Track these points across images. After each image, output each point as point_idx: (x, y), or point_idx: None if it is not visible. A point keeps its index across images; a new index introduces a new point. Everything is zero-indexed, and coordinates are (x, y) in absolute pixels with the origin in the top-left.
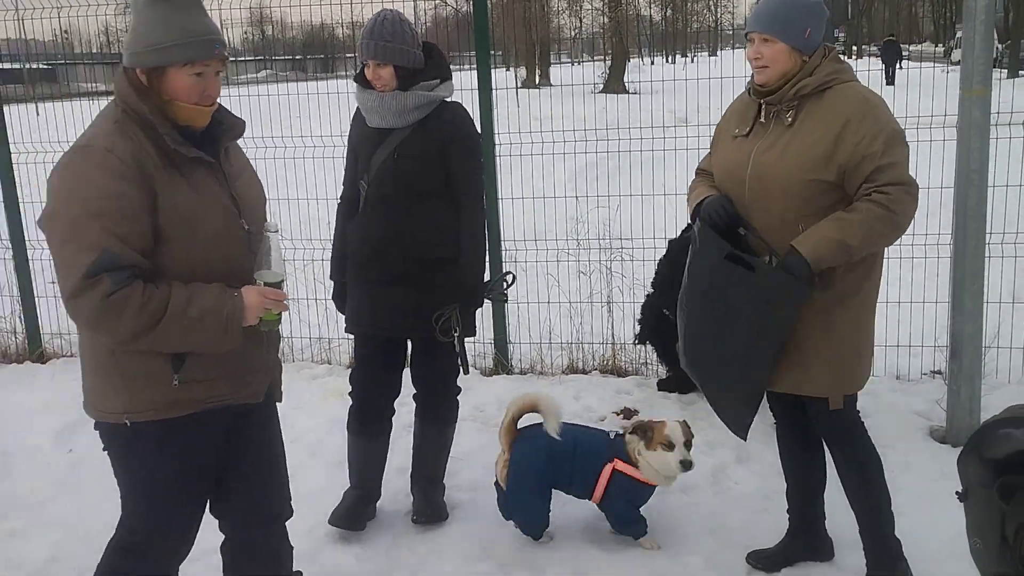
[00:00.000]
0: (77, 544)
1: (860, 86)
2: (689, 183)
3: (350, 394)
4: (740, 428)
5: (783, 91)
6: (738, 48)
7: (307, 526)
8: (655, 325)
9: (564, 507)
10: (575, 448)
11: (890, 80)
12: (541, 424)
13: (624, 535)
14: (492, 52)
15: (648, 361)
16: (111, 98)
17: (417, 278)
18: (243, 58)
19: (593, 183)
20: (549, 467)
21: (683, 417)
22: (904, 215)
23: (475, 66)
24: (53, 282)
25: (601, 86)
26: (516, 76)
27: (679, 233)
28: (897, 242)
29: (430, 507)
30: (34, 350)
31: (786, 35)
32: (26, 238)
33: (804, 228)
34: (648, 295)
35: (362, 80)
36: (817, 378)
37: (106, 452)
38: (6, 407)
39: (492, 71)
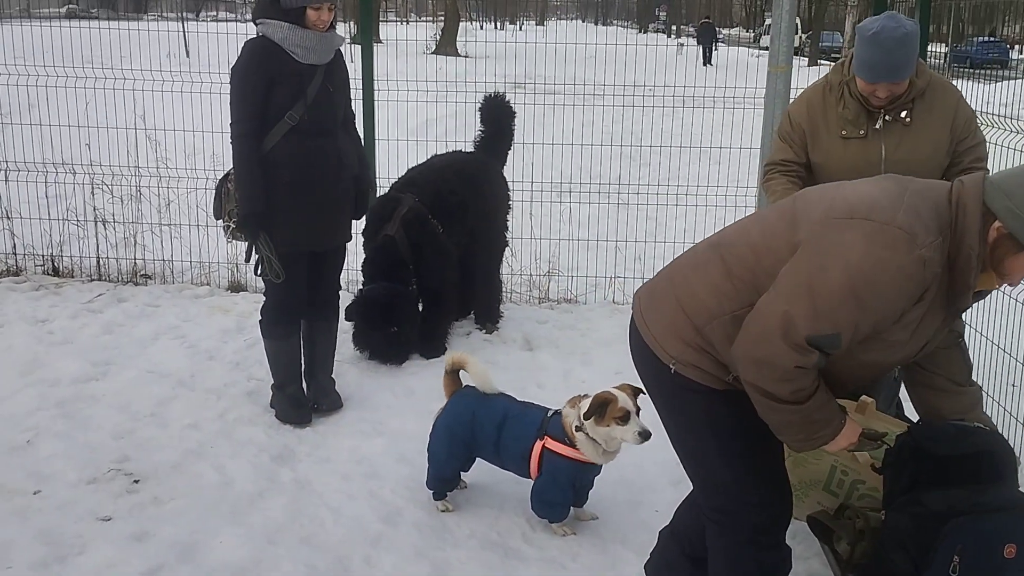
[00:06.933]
0: None
1: (937, 74)
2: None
3: (265, 309)
4: None
5: (903, 99)
6: (561, 20)
7: (218, 412)
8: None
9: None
10: (503, 420)
11: (707, 60)
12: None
13: (540, 517)
14: None
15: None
16: None
17: (349, 193)
18: None
19: (451, 133)
20: (469, 430)
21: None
22: None
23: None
24: None
25: (434, 47)
26: (348, 31)
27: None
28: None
29: (328, 397)
30: None
31: (910, 69)
32: None
33: None
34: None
35: (296, 20)
36: None
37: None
38: None
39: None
